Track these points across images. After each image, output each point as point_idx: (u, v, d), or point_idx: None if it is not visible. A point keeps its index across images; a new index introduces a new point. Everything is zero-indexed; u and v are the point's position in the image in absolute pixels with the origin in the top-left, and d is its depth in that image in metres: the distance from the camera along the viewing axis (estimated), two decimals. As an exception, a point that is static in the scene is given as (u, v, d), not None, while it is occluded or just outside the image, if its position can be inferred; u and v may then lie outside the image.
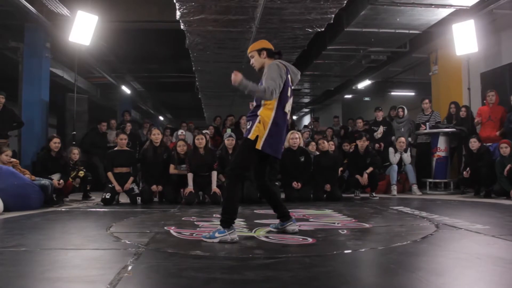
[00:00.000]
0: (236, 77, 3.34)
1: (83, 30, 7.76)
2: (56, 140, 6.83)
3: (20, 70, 8.97)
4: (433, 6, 7.20)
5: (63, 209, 5.86)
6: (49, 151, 6.81)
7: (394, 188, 7.88)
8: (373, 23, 7.96)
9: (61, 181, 6.51)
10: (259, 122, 3.42)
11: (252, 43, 3.85)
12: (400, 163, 8.13)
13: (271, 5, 6.61)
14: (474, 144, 7.24)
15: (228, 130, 8.15)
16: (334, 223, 4.29)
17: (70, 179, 6.87)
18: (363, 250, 3.02)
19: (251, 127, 3.45)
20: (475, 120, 8.06)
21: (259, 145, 3.36)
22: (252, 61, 3.69)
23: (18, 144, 8.94)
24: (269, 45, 3.70)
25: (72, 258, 2.81)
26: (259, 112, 3.46)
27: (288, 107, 3.57)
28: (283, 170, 7.00)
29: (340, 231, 3.80)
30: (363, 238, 3.53)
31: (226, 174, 3.45)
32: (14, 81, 9.16)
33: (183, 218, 4.73)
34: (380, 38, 8.85)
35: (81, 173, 7.13)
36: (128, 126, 9.65)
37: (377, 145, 8.68)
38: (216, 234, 3.25)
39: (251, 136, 3.41)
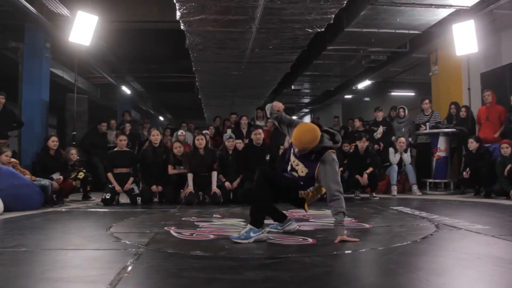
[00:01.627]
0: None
1: (83, 30, 7.75)
2: (54, 138, 6.89)
3: (20, 70, 8.95)
4: (433, 6, 7.20)
5: (63, 209, 5.87)
6: (47, 151, 6.83)
7: (394, 188, 7.87)
8: (373, 23, 7.95)
9: (61, 177, 6.56)
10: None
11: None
12: (400, 163, 8.13)
13: (271, 5, 6.60)
14: (471, 144, 7.24)
15: (228, 131, 8.15)
16: (334, 223, 4.28)
17: (70, 180, 6.88)
18: (363, 250, 3.02)
19: (307, 187, 3.49)
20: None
21: (306, 208, 3.54)
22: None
23: (18, 144, 8.93)
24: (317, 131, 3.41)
25: (72, 258, 2.81)
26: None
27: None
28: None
29: (340, 231, 3.79)
30: (363, 238, 3.53)
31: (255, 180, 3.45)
32: (14, 81, 9.15)
33: (183, 219, 4.73)
34: (380, 38, 8.85)
35: (81, 174, 7.14)
36: (128, 127, 9.63)
37: (376, 145, 8.66)
38: (252, 234, 3.26)
39: (301, 195, 3.48)
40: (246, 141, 7.75)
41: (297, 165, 3.48)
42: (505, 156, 6.71)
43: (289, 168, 3.56)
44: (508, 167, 6.52)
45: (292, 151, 3.57)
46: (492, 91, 7.74)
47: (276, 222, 3.77)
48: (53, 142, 6.83)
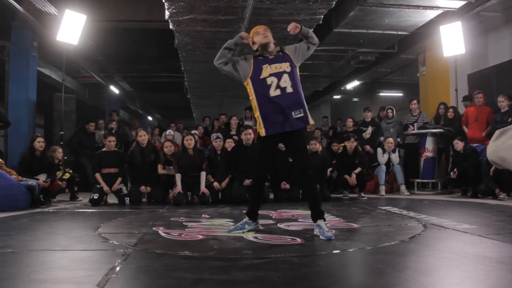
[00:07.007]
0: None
1: (71, 29, 7.70)
2: (40, 139, 6.69)
3: (7, 69, 8.86)
4: (421, 8, 7.27)
5: (50, 210, 5.81)
6: (33, 151, 6.67)
7: (383, 188, 7.92)
8: (362, 24, 8.00)
9: (48, 180, 6.46)
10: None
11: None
12: (388, 163, 8.17)
13: (260, 5, 6.61)
14: (457, 144, 7.29)
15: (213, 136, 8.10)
16: (323, 223, 4.29)
17: (57, 180, 6.80)
18: (351, 250, 3.03)
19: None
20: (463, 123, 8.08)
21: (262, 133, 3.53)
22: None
23: (4, 144, 8.84)
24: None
25: (60, 259, 2.78)
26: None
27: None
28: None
29: (328, 231, 3.79)
30: (352, 238, 3.54)
31: (310, 177, 3.59)
32: (0, 81, 9.05)
33: (171, 219, 4.70)
34: (369, 39, 8.90)
35: (67, 175, 7.07)
36: (113, 125, 9.53)
37: (367, 147, 8.69)
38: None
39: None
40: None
41: (279, 69, 3.67)
42: (491, 156, 6.76)
43: (272, 89, 3.63)
44: (493, 167, 6.58)
45: (264, 69, 3.66)
46: (482, 93, 7.82)
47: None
48: (40, 143, 6.63)
